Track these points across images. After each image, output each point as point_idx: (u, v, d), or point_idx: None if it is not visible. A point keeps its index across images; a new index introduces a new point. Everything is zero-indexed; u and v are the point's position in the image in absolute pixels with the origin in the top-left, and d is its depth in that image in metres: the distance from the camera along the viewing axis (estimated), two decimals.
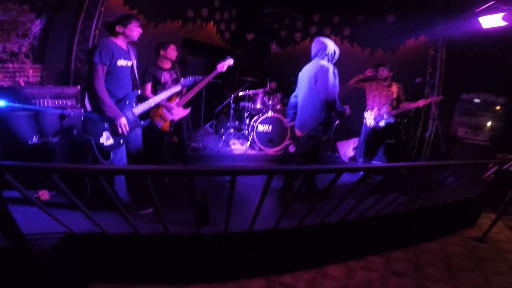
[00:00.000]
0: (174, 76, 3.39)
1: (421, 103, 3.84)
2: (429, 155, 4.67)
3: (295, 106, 3.14)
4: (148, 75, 3.23)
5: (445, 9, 4.21)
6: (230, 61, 3.32)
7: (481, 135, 4.37)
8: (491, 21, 3.51)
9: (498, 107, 4.27)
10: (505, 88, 4.05)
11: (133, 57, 2.46)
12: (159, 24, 4.75)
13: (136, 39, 2.42)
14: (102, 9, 3.86)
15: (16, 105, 2.63)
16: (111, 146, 2.33)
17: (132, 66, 2.46)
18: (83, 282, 1.71)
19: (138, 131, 2.66)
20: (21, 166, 1.25)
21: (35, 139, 2.81)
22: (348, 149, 5.13)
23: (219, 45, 6.19)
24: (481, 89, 4.30)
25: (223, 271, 1.95)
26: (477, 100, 4.41)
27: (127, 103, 2.42)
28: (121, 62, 2.33)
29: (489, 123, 4.34)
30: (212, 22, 5.77)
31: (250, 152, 4.88)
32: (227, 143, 5.02)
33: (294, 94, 3.18)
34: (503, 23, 3.41)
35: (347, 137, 5.21)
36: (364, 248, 2.34)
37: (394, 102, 3.94)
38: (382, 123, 3.90)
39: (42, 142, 2.86)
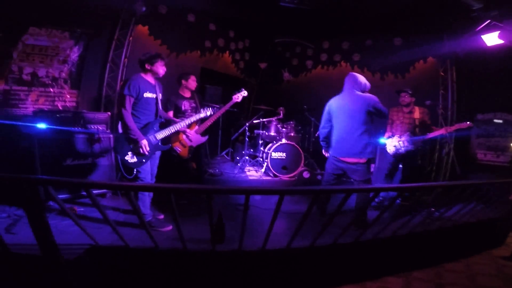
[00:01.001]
0: (194, 105, 3.63)
1: (444, 130, 3.70)
2: (448, 179, 4.55)
3: (327, 137, 3.28)
4: (170, 103, 3.49)
5: (449, 30, 4.30)
6: (244, 93, 3.59)
7: (502, 156, 4.20)
8: (493, 38, 3.60)
9: None
10: None
11: (158, 90, 2.83)
12: (180, 54, 5.13)
13: (161, 75, 2.81)
14: (131, 38, 4.27)
15: (54, 127, 2.94)
16: (134, 163, 2.66)
17: (156, 98, 2.81)
18: None
19: (158, 154, 2.93)
20: (62, 181, 1.42)
21: (68, 161, 3.07)
22: None
23: (234, 74, 6.52)
24: (496, 108, 4.24)
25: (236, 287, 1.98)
26: (497, 121, 4.30)
27: (150, 129, 2.76)
28: (147, 95, 2.72)
29: (511, 143, 4.19)
30: (227, 52, 6.12)
31: (265, 178, 4.97)
32: (242, 170, 5.14)
33: (323, 125, 3.28)
34: (500, 41, 3.50)
35: None
36: (382, 268, 2.30)
37: (417, 129, 3.81)
38: (402, 150, 3.77)
39: (75, 164, 3.11)
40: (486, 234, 2.89)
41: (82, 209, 2.93)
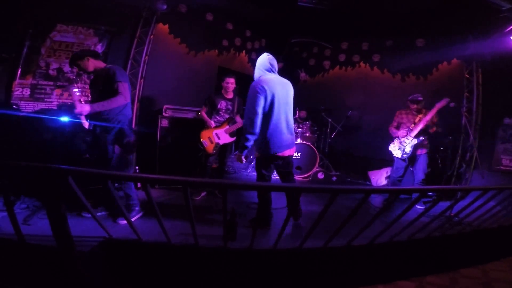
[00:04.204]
0: (230, 107, 3.71)
1: (430, 114, 3.56)
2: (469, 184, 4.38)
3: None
4: (208, 100, 3.68)
5: (475, 31, 4.13)
6: None
7: None
8: None
9: None
10: None
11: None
12: (198, 53, 5.16)
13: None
14: (152, 36, 4.37)
15: (76, 121, 3.02)
16: None
17: None
18: (110, 284, 1.82)
19: None
20: (85, 172, 1.45)
21: (88, 154, 3.15)
22: (380, 178, 4.98)
23: (250, 73, 6.50)
24: None
25: (246, 285, 1.97)
26: None
27: None
28: None
29: None
30: (244, 51, 6.11)
31: (277, 177, 4.93)
32: (255, 169, 5.14)
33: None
34: None
35: (380, 166, 5.10)
36: (395, 271, 2.23)
37: (412, 126, 3.72)
38: (408, 149, 3.71)
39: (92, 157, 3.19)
40: (506, 241, 2.77)
41: None
